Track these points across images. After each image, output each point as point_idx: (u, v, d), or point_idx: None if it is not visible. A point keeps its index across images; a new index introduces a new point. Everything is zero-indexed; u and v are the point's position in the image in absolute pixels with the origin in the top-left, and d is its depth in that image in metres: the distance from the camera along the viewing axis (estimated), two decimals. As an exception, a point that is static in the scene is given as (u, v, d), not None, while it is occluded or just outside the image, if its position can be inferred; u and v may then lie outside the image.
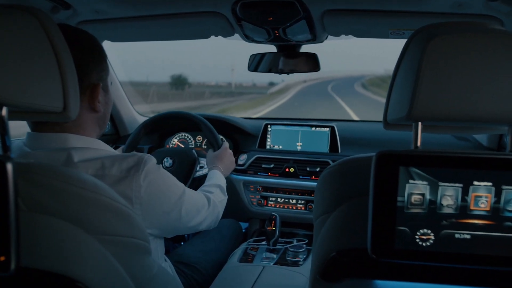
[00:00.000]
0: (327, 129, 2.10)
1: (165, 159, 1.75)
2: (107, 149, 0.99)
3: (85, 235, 0.69)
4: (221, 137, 2.15)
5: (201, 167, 1.78)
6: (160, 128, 2.27)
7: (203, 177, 1.65)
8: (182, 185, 1.08)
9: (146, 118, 1.86)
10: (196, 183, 1.75)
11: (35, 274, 0.63)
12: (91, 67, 0.96)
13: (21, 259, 0.59)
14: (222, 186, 1.43)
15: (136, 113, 2.43)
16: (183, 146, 2.29)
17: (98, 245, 0.70)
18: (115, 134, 2.33)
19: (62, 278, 0.64)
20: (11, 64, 0.62)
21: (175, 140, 2.31)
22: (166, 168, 1.71)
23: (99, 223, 0.72)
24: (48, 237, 0.66)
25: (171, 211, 1.01)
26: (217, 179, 1.46)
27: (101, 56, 1.00)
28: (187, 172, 1.73)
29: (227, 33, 1.55)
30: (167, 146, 2.31)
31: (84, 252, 0.68)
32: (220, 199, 1.35)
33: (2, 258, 0.57)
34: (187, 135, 2.31)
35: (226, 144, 1.68)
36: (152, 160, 0.96)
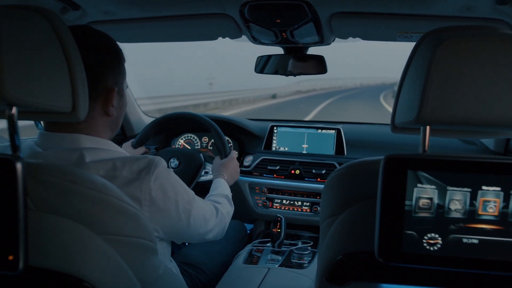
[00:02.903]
0: (333, 131, 2.09)
1: (171, 159, 1.76)
2: (118, 150, 0.99)
3: (92, 235, 0.69)
4: (228, 140, 2.15)
5: (206, 172, 1.78)
6: (169, 127, 2.27)
7: (207, 183, 1.64)
8: (191, 192, 1.08)
9: (153, 119, 1.87)
10: (199, 187, 1.74)
11: (42, 273, 0.64)
12: (109, 71, 0.96)
13: (29, 258, 0.60)
14: (229, 196, 1.43)
15: (143, 114, 2.44)
16: (189, 147, 2.29)
17: (105, 245, 0.71)
18: (121, 135, 2.34)
19: (69, 278, 0.64)
20: (21, 64, 0.63)
21: (181, 141, 2.32)
22: (171, 168, 1.71)
23: (107, 223, 0.72)
24: (56, 237, 0.66)
25: (179, 216, 1.01)
26: (223, 188, 1.46)
27: (119, 60, 1.00)
28: (192, 175, 1.73)
29: (234, 35, 1.56)
30: (173, 146, 2.31)
31: (91, 252, 0.69)
32: (227, 210, 1.34)
33: (11, 257, 0.58)
34: (193, 136, 2.31)
35: (234, 153, 1.68)
36: (162, 163, 0.96)
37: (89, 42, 0.92)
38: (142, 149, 1.78)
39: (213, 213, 1.20)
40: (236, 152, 1.80)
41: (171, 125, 2.24)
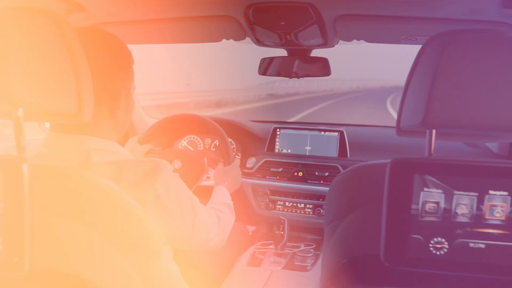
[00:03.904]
0: (336, 133, 2.09)
1: (175, 160, 1.76)
2: (124, 152, 0.99)
3: (97, 237, 0.69)
4: (231, 142, 2.15)
5: (208, 178, 1.78)
6: (175, 128, 2.27)
7: (207, 188, 1.64)
8: (196, 198, 1.07)
9: (156, 120, 1.87)
10: (199, 192, 1.74)
11: (47, 275, 0.64)
12: (117, 74, 0.96)
13: (35, 260, 0.60)
14: (231, 206, 1.42)
15: (145, 115, 2.44)
16: (192, 149, 2.29)
17: (110, 247, 0.71)
18: (124, 136, 2.33)
19: (73, 279, 0.64)
20: (27, 66, 0.63)
21: (183, 142, 2.32)
22: (174, 170, 1.71)
23: (112, 225, 0.72)
24: (61, 239, 0.66)
25: (182, 222, 1.00)
26: (224, 196, 1.45)
27: (127, 63, 1.00)
28: (193, 178, 1.72)
29: (238, 37, 1.56)
30: (175, 148, 2.31)
31: (96, 254, 0.69)
32: (229, 220, 1.33)
33: (16, 259, 0.58)
34: (195, 137, 2.31)
35: (237, 162, 1.67)
36: (168, 166, 0.95)
37: (97, 44, 0.92)
38: (148, 146, 1.79)
39: (215, 222, 1.19)
40: (239, 159, 1.80)
41: (181, 125, 2.24)
